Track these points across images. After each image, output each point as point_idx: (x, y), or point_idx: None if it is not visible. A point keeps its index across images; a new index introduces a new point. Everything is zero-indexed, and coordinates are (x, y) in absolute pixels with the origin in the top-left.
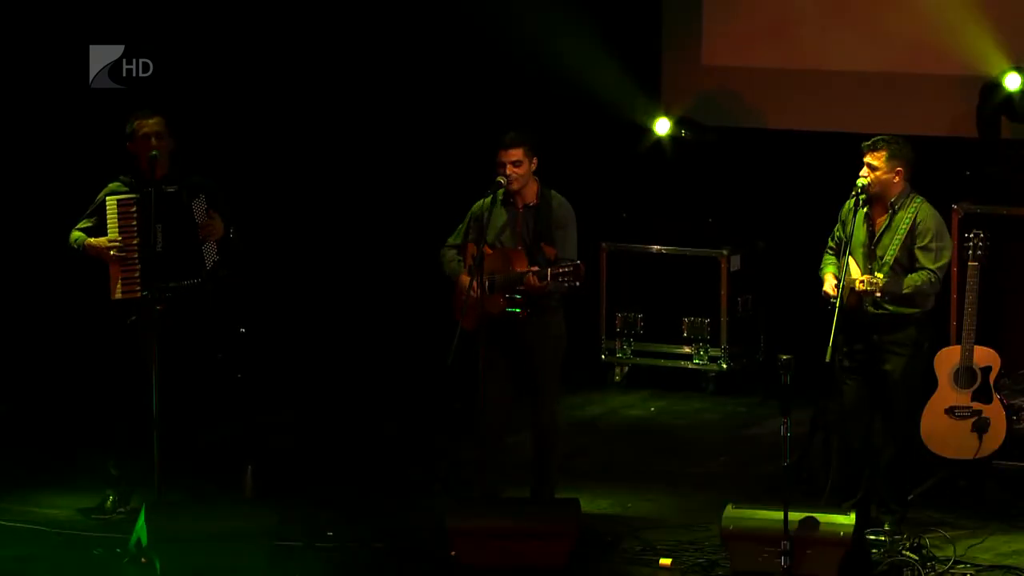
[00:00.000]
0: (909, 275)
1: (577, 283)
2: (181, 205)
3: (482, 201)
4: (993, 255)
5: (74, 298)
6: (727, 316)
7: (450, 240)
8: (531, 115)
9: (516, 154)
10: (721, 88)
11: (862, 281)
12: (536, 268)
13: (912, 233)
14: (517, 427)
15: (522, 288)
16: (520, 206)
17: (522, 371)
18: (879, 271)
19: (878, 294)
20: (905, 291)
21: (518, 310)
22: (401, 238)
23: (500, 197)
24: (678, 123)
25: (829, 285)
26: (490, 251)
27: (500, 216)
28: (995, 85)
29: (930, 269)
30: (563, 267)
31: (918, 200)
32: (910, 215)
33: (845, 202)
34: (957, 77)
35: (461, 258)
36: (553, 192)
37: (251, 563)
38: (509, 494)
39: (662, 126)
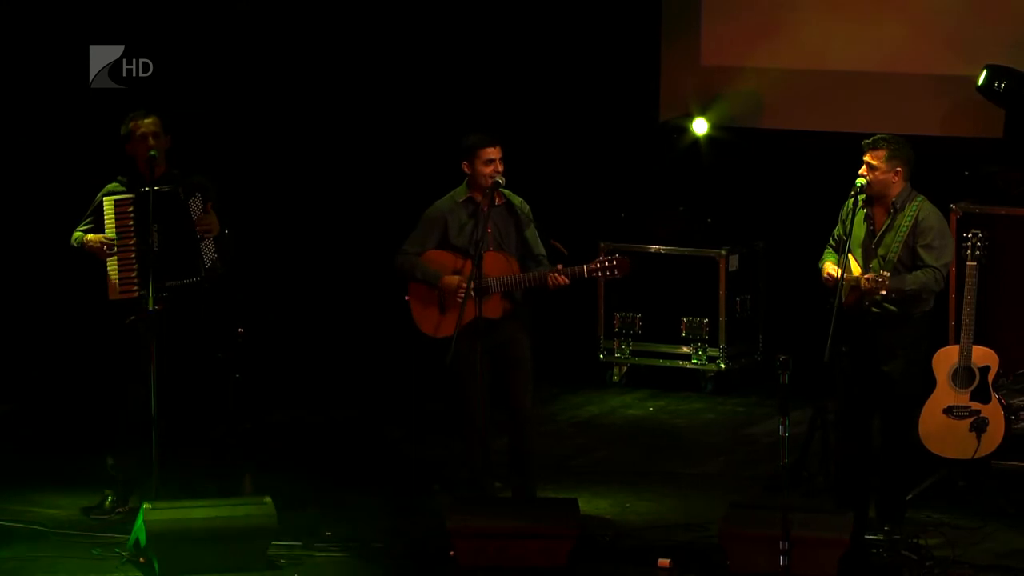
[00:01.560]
0: (913, 273)
1: (620, 275)
2: (178, 204)
3: (439, 204)
4: (992, 255)
5: (74, 298)
6: (725, 316)
7: (408, 248)
8: (529, 114)
9: (500, 151)
10: (720, 88)
11: (867, 278)
12: (561, 267)
13: (914, 232)
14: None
15: (523, 288)
16: (485, 207)
17: (499, 369)
18: (883, 269)
19: (883, 292)
20: (910, 288)
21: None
22: (401, 238)
23: (461, 198)
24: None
25: (831, 269)
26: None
27: (464, 218)
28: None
29: (934, 267)
30: (608, 260)
31: (919, 199)
32: (912, 214)
33: (846, 201)
34: (957, 77)
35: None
36: (507, 191)
37: (251, 563)
38: (503, 494)
39: (700, 126)
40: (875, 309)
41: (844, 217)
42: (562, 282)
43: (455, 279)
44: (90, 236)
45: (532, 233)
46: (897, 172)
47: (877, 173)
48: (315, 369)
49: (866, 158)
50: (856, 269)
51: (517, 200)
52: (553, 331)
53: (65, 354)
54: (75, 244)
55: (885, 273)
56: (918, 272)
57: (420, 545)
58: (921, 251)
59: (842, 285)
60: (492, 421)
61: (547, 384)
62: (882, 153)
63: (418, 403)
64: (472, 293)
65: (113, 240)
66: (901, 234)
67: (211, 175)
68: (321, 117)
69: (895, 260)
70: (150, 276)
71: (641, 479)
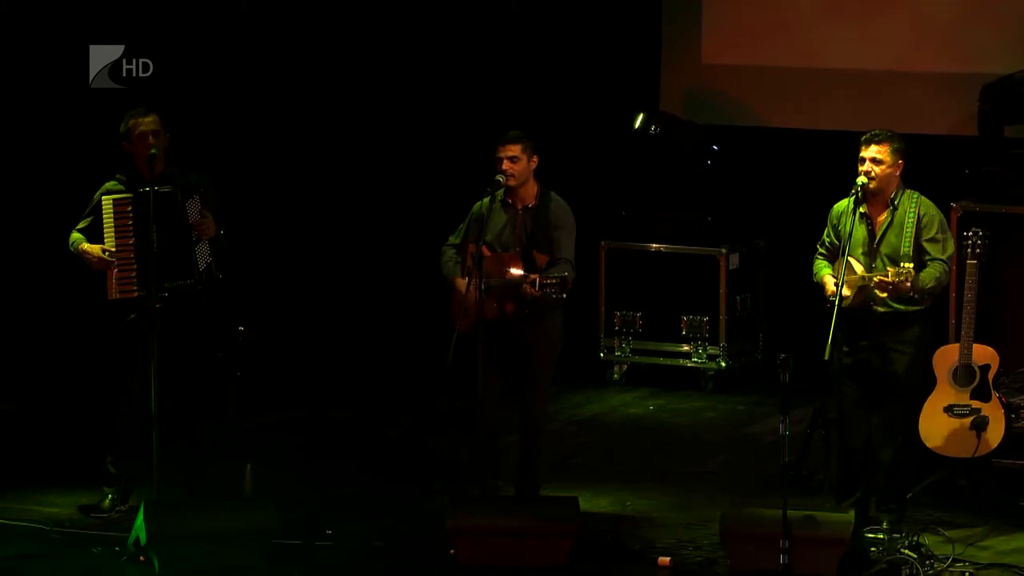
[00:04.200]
0: (924, 270)
1: (564, 295)
2: (176, 205)
3: (482, 201)
4: (992, 253)
5: (74, 297)
6: (726, 314)
7: (451, 239)
8: (531, 114)
9: (513, 149)
10: (721, 86)
11: (892, 272)
12: (534, 277)
13: (918, 226)
14: (512, 427)
15: (518, 295)
16: (519, 207)
17: (515, 370)
18: (889, 267)
19: (907, 283)
20: (931, 285)
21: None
22: (400, 237)
23: (500, 197)
24: (648, 118)
25: (831, 282)
26: (488, 253)
27: (499, 217)
28: (996, 84)
29: (942, 260)
30: (550, 279)
31: (915, 195)
32: (913, 210)
33: (833, 205)
34: (957, 76)
35: (460, 259)
36: (552, 194)
37: (251, 563)
38: (505, 493)
39: (639, 121)
40: (879, 308)
41: (836, 220)
42: (530, 292)
43: (462, 283)
44: (85, 246)
45: (560, 236)
46: (899, 165)
47: (884, 167)
48: (316, 368)
49: (870, 152)
50: (860, 270)
51: (553, 204)
52: None
53: (65, 354)
54: (73, 249)
55: (908, 265)
56: (929, 268)
57: (420, 544)
58: (927, 245)
59: (842, 284)
60: (501, 421)
61: None
62: (887, 147)
63: (420, 402)
64: (469, 291)
65: (112, 254)
66: (908, 230)
67: (211, 175)
68: (320, 117)
69: (910, 256)
70: (149, 276)
71: (641, 477)
